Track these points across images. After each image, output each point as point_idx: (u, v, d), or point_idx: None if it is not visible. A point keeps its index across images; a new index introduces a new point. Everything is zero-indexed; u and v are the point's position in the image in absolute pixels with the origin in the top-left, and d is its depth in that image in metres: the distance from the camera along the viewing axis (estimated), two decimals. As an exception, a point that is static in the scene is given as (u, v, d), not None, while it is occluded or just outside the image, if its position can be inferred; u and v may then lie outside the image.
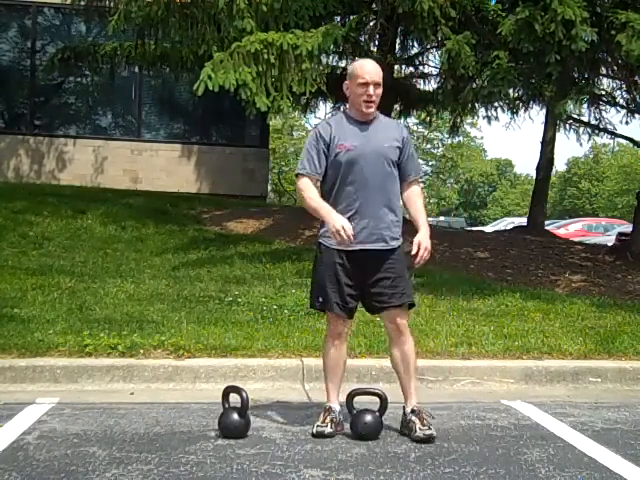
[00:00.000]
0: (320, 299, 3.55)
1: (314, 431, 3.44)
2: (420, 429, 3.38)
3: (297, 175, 3.59)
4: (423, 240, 3.48)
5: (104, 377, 4.40)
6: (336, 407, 3.55)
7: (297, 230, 9.43)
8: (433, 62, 11.87)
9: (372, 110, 3.52)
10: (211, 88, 6.89)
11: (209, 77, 6.88)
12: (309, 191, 3.52)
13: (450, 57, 7.50)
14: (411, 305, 3.61)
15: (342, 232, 3.32)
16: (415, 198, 3.63)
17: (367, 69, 3.50)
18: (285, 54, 7.28)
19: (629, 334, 5.52)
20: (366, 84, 3.46)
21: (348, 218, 3.42)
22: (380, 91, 3.52)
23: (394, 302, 3.50)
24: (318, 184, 3.57)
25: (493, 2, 8.35)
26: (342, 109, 3.59)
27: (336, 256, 3.48)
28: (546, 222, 14.70)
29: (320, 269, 3.57)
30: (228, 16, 7.50)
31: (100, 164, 13.61)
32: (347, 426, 3.51)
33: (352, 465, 3.08)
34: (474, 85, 8.43)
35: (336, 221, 3.35)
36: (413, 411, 3.48)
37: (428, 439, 3.36)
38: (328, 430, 3.43)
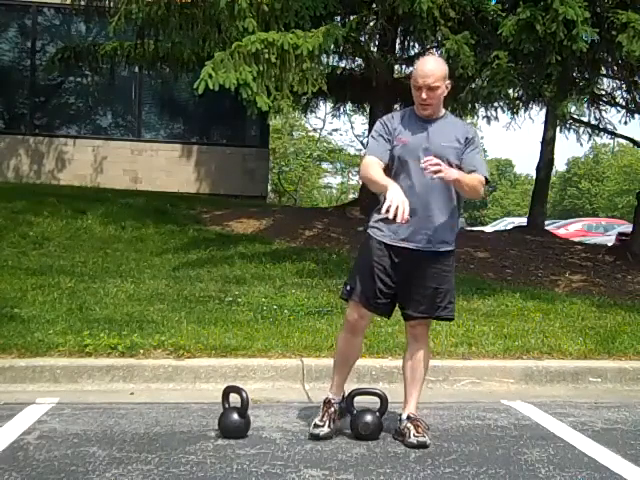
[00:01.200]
0: (349, 287, 3.45)
1: (310, 431, 3.41)
2: (414, 435, 3.32)
3: (363, 156, 3.46)
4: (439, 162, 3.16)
5: (104, 377, 4.40)
6: (336, 398, 3.52)
7: (297, 230, 9.43)
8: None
9: (428, 112, 3.38)
10: (211, 87, 6.88)
11: (210, 76, 6.88)
12: (372, 166, 3.34)
13: (449, 57, 7.49)
14: (447, 319, 3.52)
15: (398, 205, 3.06)
16: (470, 175, 3.34)
17: (422, 72, 3.33)
18: (286, 54, 7.28)
19: (629, 334, 5.52)
20: (419, 88, 3.33)
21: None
22: (439, 92, 3.34)
23: (421, 312, 3.40)
24: (382, 164, 3.39)
25: (493, 2, 8.35)
26: (410, 107, 3.45)
27: (377, 249, 3.38)
28: (546, 222, 14.70)
29: (359, 258, 3.51)
30: (229, 16, 7.49)
31: (100, 164, 13.61)
32: (347, 425, 3.50)
33: (352, 465, 3.08)
34: (473, 85, 8.42)
35: (397, 193, 3.11)
36: (409, 417, 3.44)
37: (420, 446, 3.30)
38: (324, 431, 3.38)
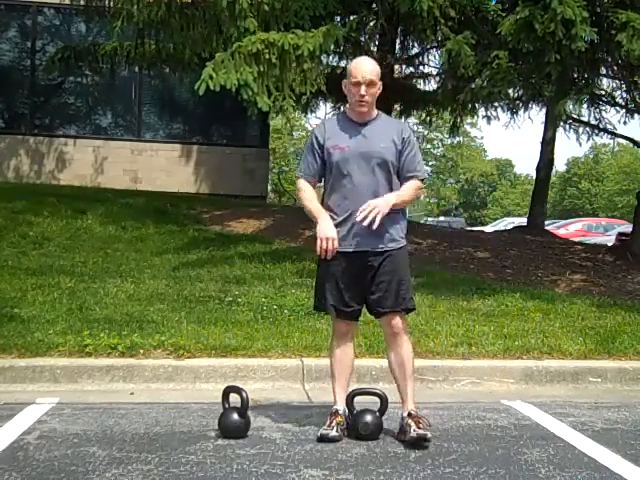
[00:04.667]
0: (320, 300, 3.55)
1: (318, 434, 3.39)
2: (415, 430, 3.32)
3: (297, 177, 3.62)
4: (373, 201, 3.34)
5: (104, 377, 4.40)
6: (341, 408, 3.51)
7: (297, 230, 9.42)
8: (433, 62, 11.86)
9: (365, 109, 3.47)
10: (212, 88, 6.89)
11: (210, 77, 6.88)
12: (306, 192, 3.54)
13: (450, 57, 7.50)
14: (410, 309, 3.57)
15: (324, 243, 3.34)
16: (405, 186, 3.50)
17: (361, 68, 3.44)
18: (286, 54, 7.28)
19: (629, 334, 5.52)
20: (358, 84, 3.41)
21: (344, 220, 3.41)
22: (375, 90, 3.46)
23: (389, 306, 3.45)
24: (317, 185, 3.57)
25: (493, 2, 8.35)
26: (342, 110, 3.53)
27: (334, 258, 3.44)
28: (546, 222, 14.70)
29: (320, 270, 3.56)
30: (230, 16, 7.49)
31: (100, 164, 13.61)
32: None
33: (352, 465, 3.08)
34: (473, 85, 8.42)
35: (323, 230, 3.38)
36: (410, 414, 3.44)
37: (421, 438, 3.29)
38: (333, 433, 3.37)
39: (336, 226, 3.41)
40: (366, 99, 3.44)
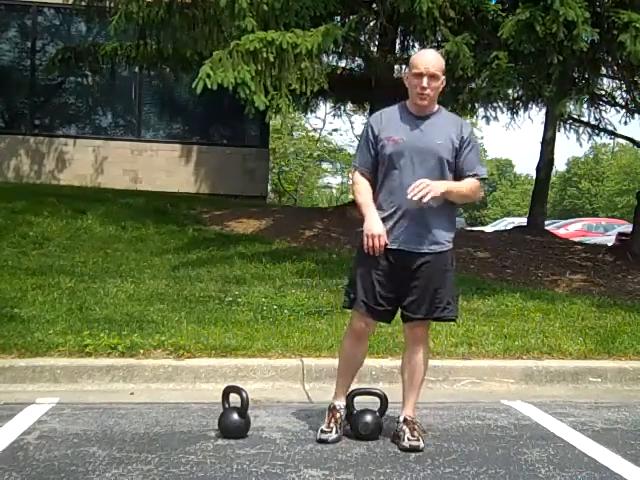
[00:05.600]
0: (352, 296, 3.41)
1: (318, 437, 3.37)
2: (409, 439, 3.28)
3: (352, 169, 3.47)
4: (426, 180, 3.19)
5: (104, 377, 4.40)
6: (341, 404, 3.49)
7: (297, 230, 9.42)
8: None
9: (425, 103, 3.31)
10: (210, 86, 6.87)
11: (208, 75, 6.87)
12: (359, 185, 3.39)
13: (449, 58, 7.48)
14: (448, 319, 3.47)
15: (369, 240, 3.23)
16: (464, 180, 3.36)
17: (424, 60, 3.30)
18: (284, 53, 7.27)
19: (629, 334, 5.52)
20: (420, 75, 3.26)
21: (389, 216, 3.29)
22: (438, 84, 3.31)
23: (422, 314, 3.34)
24: (371, 177, 3.42)
25: (493, 2, 8.34)
26: (403, 102, 3.39)
27: (373, 254, 3.30)
28: (546, 222, 14.70)
29: (356, 265, 3.44)
30: (229, 15, 7.49)
31: (100, 164, 13.61)
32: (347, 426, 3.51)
33: (352, 465, 3.08)
34: (473, 85, 8.42)
35: (369, 226, 3.25)
36: (405, 420, 3.40)
37: (413, 450, 3.25)
38: (332, 437, 3.34)
39: (383, 221, 3.29)
40: (427, 92, 3.28)
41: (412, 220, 3.30)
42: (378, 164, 3.38)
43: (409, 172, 3.28)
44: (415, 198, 3.16)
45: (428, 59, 3.32)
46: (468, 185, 3.36)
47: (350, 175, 3.51)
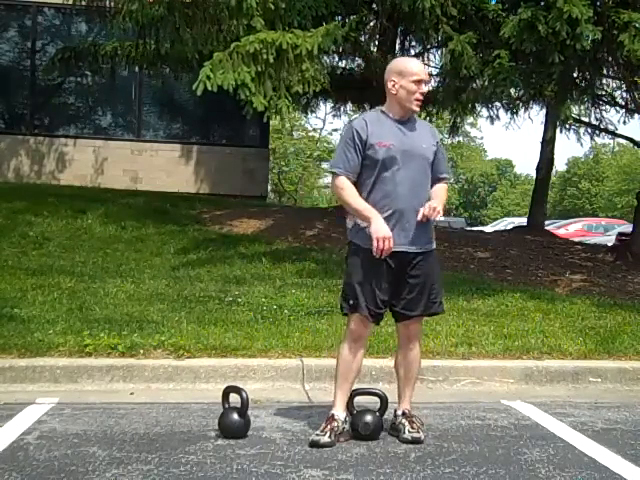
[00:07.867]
0: (351, 302, 3.38)
1: (310, 439, 3.34)
2: (409, 431, 3.36)
3: (333, 173, 3.46)
4: (434, 203, 3.34)
5: (104, 377, 4.40)
6: (340, 415, 3.42)
7: (297, 230, 9.42)
8: (433, 62, 11.85)
9: (419, 109, 3.46)
10: (210, 88, 6.87)
11: (208, 77, 6.87)
12: (349, 190, 3.38)
13: (453, 57, 7.48)
14: (438, 314, 3.59)
15: (381, 243, 3.24)
16: (438, 188, 3.51)
17: (419, 66, 3.44)
18: (284, 54, 7.27)
19: (629, 334, 5.52)
20: (420, 81, 3.37)
21: (387, 218, 3.32)
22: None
23: (419, 311, 3.43)
24: (354, 181, 3.44)
25: (493, 2, 8.34)
26: (377, 108, 3.38)
27: (369, 257, 3.31)
28: (546, 222, 14.70)
29: (352, 270, 3.42)
30: (237, 14, 7.46)
31: (100, 164, 13.60)
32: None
33: (352, 465, 3.08)
34: (474, 85, 8.42)
35: (379, 230, 3.25)
36: (404, 414, 3.45)
37: (415, 442, 3.33)
38: (324, 440, 3.29)
39: None
40: (422, 97, 3.42)
41: (408, 222, 3.37)
42: (362, 169, 3.41)
43: (402, 175, 3.37)
44: (424, 219, 3.32)
45: (421, 66, 3.48)
46: (445, 192, 3.58)
47: (333, 180, 3.48)
